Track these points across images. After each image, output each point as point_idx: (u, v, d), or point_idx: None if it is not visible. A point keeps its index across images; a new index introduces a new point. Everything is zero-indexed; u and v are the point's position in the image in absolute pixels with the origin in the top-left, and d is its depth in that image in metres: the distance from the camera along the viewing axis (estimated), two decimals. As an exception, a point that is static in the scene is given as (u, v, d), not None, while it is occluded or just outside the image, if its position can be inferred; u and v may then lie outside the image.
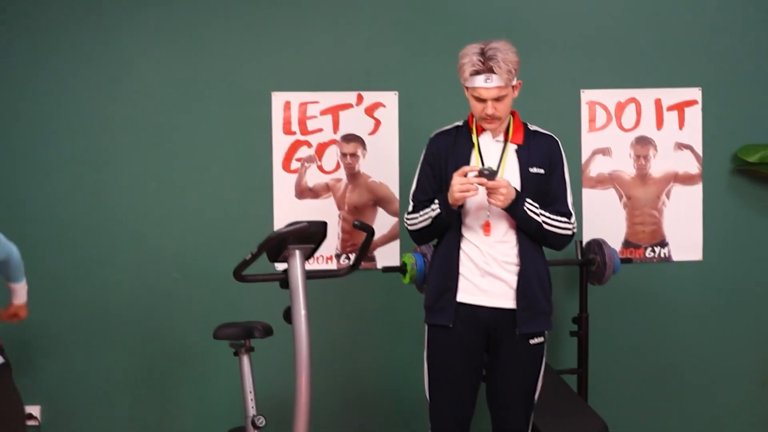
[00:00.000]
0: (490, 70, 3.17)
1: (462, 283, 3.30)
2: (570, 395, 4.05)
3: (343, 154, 4.30)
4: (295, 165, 4.27)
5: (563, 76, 4.39)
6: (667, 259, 4.47)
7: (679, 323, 4.51)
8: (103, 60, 4.16)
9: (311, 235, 3.38)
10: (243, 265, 3.43)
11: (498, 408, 3.37)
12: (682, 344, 4.51)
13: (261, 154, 4.24)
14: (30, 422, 4.06)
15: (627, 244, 4.43)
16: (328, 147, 4.29)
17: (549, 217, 3.28)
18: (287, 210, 4.23)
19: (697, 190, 4.46)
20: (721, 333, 4.53)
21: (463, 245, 3.31)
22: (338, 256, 4.31)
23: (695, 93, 4.44)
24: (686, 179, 4.46)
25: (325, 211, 4.24)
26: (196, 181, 4.23)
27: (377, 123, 4.30)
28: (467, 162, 3.31)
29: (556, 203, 3.34)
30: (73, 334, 4.18)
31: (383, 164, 4.30)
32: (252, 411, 3.62)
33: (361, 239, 3.64)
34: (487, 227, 3.29)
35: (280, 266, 3.54)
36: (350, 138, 4.30)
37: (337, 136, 4.29)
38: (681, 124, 4.44)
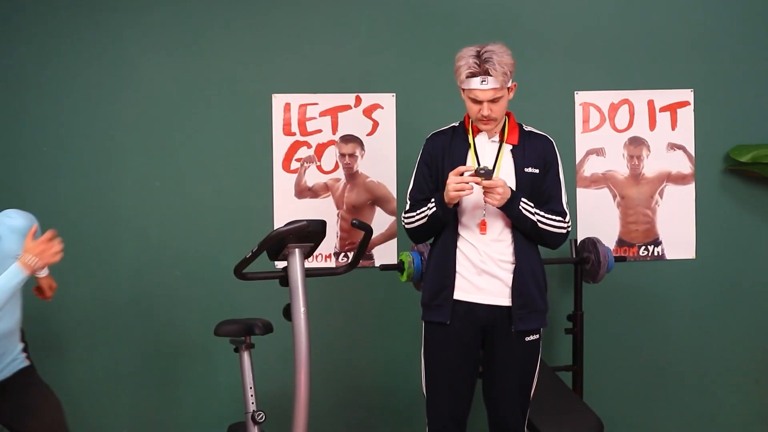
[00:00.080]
0: (486, 73, 3.19)
1: (459, 281, 3.32)
2: (565, 392, 4.06)
3: (342, 155, 4.32)
4: (294, 165, 4.28)
5: (557, 78, 4.41)
6: (661, 258, 4.49)
7: (672, 321, 4.53)
8: (107, 62, 4.16)
9: (310, 233, 3.39)
10: (243, 263, 3.45)
11: (494, 404, 3.38)
12: (675, 341, 4.53)
13: (261, 154, 4.25)
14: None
15: (621, 242, 4.45)
16: (327, 147, 4.30)
17: (544, 216, 3.31)
18: (287, 209, 4.24)
19: (690, 189, 4.49)
20: (715, 330, 4.54)
21: (460, 244, 3.34)
22: (337, 255, 4.33)
23: (687, 94, 4.46)
24: (679, 179, 4.48)
25: (324, 210, 4.26)
26: (198, 181, 4.23)
27: (375, 124, 4.32)
28: (463, 162, 3.33)
29: (550, 202, 3.36)
30: (75, 330, 4.17)
31: (381, 164, 4.31)
32: (252, 406, 3.61)
33: (359, 238, 3.64)
34: (483, 226, 3.31)
35: (280, 264, 3.54)
36: (349, 139, 4.32)
37: (336, 137, 4.30)
38: (673, 125, 4.46)
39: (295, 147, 4.28)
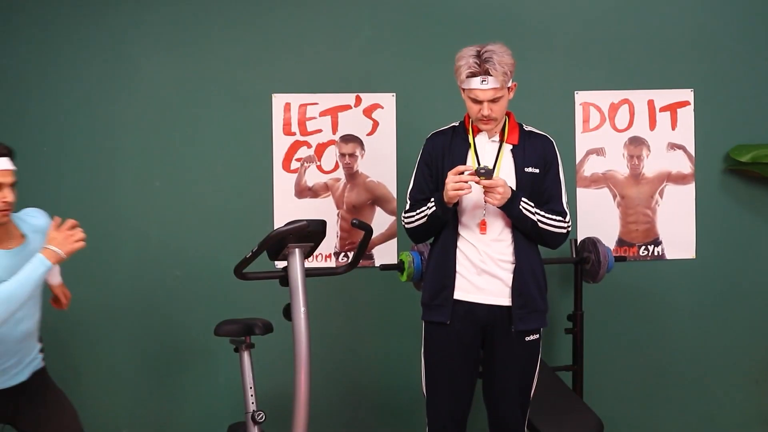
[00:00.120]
0: (486, 73, 3.20)
1: (459, 281, 3.32)
2: (565, 392, 4.06)
3: (342, 155, 4.32)
4: (294, 165, 4.29)
5: (558, 78, 4.41)
6: (661, 258, 4.49)
7: (672, 320, 4.53)
8: (107, 62, 4.17)
9: (310, 233, 3.40)
10: (244, 263, 3.45)
11: (494, 404, 3.39)
12: (675, 341, 4.53)
13: (261, 154, 4.25)
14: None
15: (621, 242, 4.46)
16: (327, 147, 4.31)
17: (544, 216, 3.31)
18: (287, 209, 4.24)
19: (690, 189, 4.49)
20: (715, 330, 4.55)
21: (460, 243, 3.34)
22: (337, 254, 4.33)
23: (687, 94, 4.47)
24: (679, 179, 4.48)
25: (324, 210, 4.26)
26: (199, 181, 4.23)
27: (375, 124, 4.33)
28: (463, 162, 3.33)
29: (551, 202, 3.37)
30: (76, 330, 4.17)
31: (381, 164, 4.32)
32: (252, 406, 3.62)
33: (359, 238, 3.65)
34: (483, 226, 3.31)
35: (280, 264, 3.54)
36: (349, 138, 4.32)
37: (336, 137, 4.31)
38: (674, 125, 4.47)
39: (295, 147, 4.29)
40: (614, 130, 4.44)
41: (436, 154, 3.40)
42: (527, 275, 3.32)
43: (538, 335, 3.38)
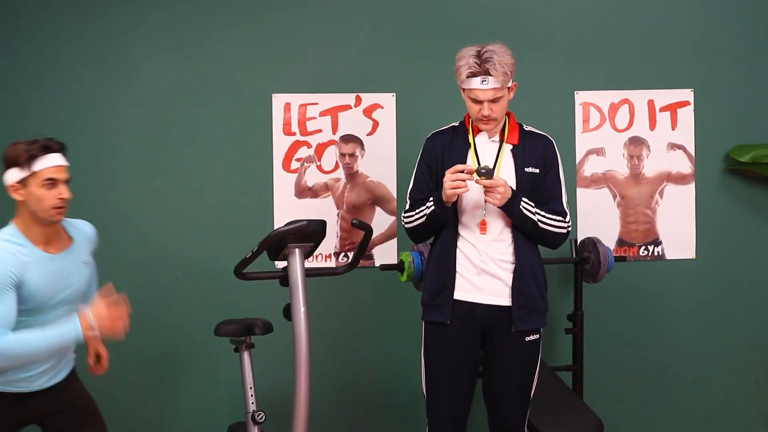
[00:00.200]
0: (487, 73, 3.20)
1: (459, 281, 3.33)
2: (565, 392, 4.07)
3: (342, 155, 4.33)
4: (294, 165, 4.29)
5: (558, 78, 4.42)
6: (661, 258, 4.50)
7: (672, 320, 4.54)
8: (108, 62, 4.17)
9: (310, 233, 3.40)
10: (244, 263, 3.46)
11: (494, 404, 3.39)
12: (675, 341, 4.54)
13: (261, 154, 4.26)
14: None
15: (621, 242, 4.46)
16: (327, 147, 4.31)
17: (544, 216, 3.31)
18: (287, 209, 4.25)
19: (690, 189, 4.49)
20: (715, 330, 4.55)
21: (460, 243, 3.34)
22: (337, 255, 4.33)
23: (687, 94, 4.47)
24: (679, 179, 4.49)
25: (324, 210, 4.26)
26: (199, 181, 4.23)
27: (375, 124, 4.33)
28: (463, 161, 3.33)
29: (551, 202, 3.37)
30: (76, 330, 4.20)
31: (381, 164, 4.32)
32: (252, 406, 3.62)
33: (359, 238, 3.65)
34: (483, 225, 3.31)
35: (280, 264, 3.55)
36: (349, 138, 4.33)
37: (336, 137, 4.31)
38: (674, 125, 4.47)
39: (295, 147, 4.29)
40: (614, 130, 4.44)
41: (436, 154, 3.41)
42: (527, 275, 3.32)
43: (538, 335, 3.38)
